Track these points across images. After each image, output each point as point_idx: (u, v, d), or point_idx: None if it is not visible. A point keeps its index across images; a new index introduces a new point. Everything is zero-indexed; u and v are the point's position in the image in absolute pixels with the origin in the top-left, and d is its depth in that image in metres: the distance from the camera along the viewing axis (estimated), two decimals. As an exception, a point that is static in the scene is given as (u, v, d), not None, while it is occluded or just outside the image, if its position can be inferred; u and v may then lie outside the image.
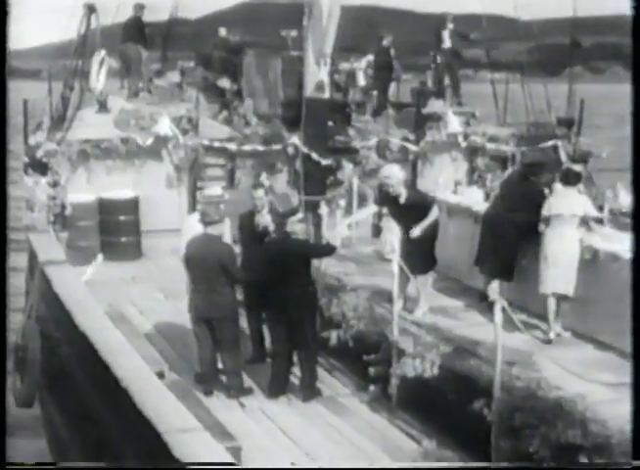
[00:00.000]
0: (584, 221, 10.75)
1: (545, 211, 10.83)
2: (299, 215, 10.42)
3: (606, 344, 10.23)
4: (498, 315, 8.29)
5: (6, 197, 8.04)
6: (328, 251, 10.69)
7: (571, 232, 10.67)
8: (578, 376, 9.13)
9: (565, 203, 10.80)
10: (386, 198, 11.49)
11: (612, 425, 7.66)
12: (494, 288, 11.01)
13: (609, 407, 8.02)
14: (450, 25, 19.74)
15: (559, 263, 10.56)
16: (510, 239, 11.30)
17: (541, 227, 10.88)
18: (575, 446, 7.67)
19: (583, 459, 7.60)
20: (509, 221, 11.33)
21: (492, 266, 11.48)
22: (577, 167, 14.60)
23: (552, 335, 10.58)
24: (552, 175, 11.95)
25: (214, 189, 11.52)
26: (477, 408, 8.53)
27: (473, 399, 8.61)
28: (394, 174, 11.30)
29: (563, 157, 17.87)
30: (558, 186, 11.29)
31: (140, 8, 19.13)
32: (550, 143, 18.21)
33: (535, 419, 8.03)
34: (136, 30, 19.18)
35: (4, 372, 9.01)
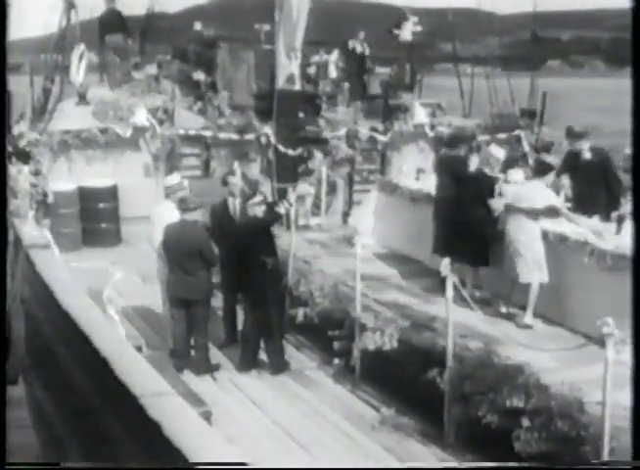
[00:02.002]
0: (545, 213, 11.08)
1: (508, 201, 11.35)
2: (258, 198, 10.86)
3: (554, 320, 10.89)
4: (449, 290, 8.90)
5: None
6: (274, 218, 11.16)
7: (529, 224, 11.03)
8: (526, 347, 9.61)
9: (525, 195, 11.13)
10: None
11: (553, 390, 8.24)
12: (446, 264, 11.45)
13: (551, 374, 8.61)
14: (414, 19, 20.27)
15: (517, 254, 11.04)
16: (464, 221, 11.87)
17: (496, 212, 11.48)
18: (519, 410, 8.25)
19: (526, 422, 8.23)
20: (461, 203, 11.92)
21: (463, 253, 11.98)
22: (549, 158, 15.11)
23: (503, 310, 11.24)
24: (469, 146, 12.45)
25: (172, 178, 11.78)
26: (431, 377, 9.11)
27: (427, 370, 9.19)
28: (500, 154, 11.85)
29: (525, 147, 18.47)
30: (517, 176, 11.52)
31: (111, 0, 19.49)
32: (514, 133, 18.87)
33: (483, 386, 8.59)
34: (116, 20, 19.55)
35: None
